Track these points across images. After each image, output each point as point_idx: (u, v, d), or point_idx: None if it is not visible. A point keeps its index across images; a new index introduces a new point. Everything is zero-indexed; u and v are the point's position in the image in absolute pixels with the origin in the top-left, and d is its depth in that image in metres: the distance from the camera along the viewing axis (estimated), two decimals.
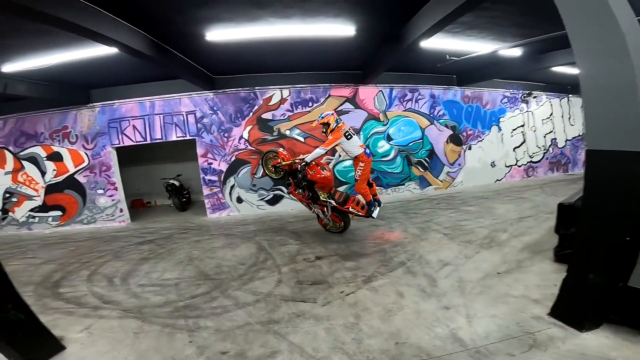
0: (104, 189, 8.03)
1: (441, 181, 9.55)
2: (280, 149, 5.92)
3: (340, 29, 5.23)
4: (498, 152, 10.27)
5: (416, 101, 9.06)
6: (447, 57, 6.69)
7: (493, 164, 10.23)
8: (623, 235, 2.47)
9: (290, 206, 8.28)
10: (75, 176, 7.99)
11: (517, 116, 10.50)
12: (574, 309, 2.77)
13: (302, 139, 8.18)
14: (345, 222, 5.60)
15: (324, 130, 5.41)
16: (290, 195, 6.14)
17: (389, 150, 8.90)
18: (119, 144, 7.95)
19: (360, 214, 5.43)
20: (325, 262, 4.54)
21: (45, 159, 7.93)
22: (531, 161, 10.95)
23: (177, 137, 7.95)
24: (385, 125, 8.79)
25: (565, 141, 11.56)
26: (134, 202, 10.14)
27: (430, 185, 9.43)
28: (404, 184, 9.14)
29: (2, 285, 2.66)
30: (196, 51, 5.90)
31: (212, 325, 3.08)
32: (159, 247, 5.89)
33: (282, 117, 8.11)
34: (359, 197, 5.67)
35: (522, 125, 10.62)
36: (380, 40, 5.85)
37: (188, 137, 7.96)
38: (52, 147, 7.91)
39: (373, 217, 5.56)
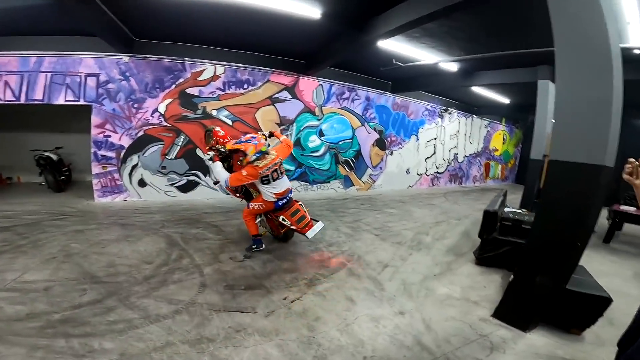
0: None
1: (363, 182, 9.75)
2: (217, 128, 4.37)
3: (306, 8, 4.66)
4: (413, 160, 11.04)
5: (352, 101, 9.02)
6: (393, 62, 6.69)
7: (408, 171, 10.95)
8: (574, 241, 2.61)
9: (207, 194, 7.29)
10: None
11: (433, 129, 11.46)
12: (520, 311, 2.89)
13: (230, 122, 7.27)
14: (286, 233, 4.59)
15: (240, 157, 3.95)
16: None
17: (320, 146, 8.65)
18: None
19: (295, 228, 4.17)
20: (256, 262, 3.96)
21: None
22: (437, 172, 12.11)
23: (66, 100, 6.13)
24: (320, 120, 8.51)
25: (464, 157, 13.15)
26: None
27: (354, 185, 9.54)
28: (329, 182, 9.02)
29: None
30: (125, 3, 4.67)
31: (114, 347, 2.23)
32: (19, 236, 4.30)
33: (210, 95, 7.04)
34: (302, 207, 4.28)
35: (435, 138, 11.64)
36: (340, 30, 5.47)
37: (82, 103, 6.22)
38: None
39: (308, 237, 4.16)
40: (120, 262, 3.65)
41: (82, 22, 4.80)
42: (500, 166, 15.37)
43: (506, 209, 4.81)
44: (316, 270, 3.83)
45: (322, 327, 2.66)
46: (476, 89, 9.33)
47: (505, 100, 10.74)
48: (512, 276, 3.03)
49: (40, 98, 6.03)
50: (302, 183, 8.55)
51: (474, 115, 13.00)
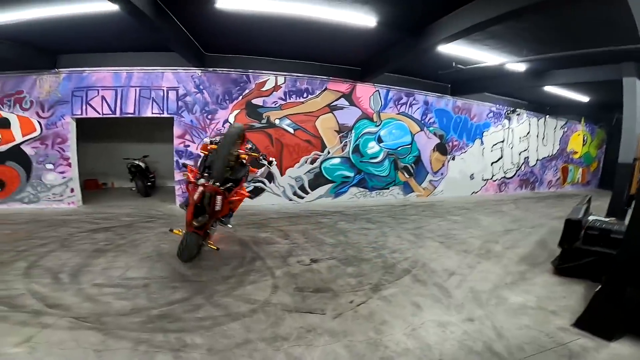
0: (54, 164, 6.90)
1: (423, 189, 9.48)
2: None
3: (361, 17, 4.81)
4: (478, 165, 10.45)
5: (410, 106, 8.88)
6: (454, 65, 6.47)
7: (472, 177, 10.39)
8: None
9: (272, 200, 7.71)
10: (21, 146, 6.76)
11: (499, 132, 10.75)
12: (606, 320, 2.71)
13: (291, 131, 7.64)
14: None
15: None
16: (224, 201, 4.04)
17: (379, 152, 8.64)
18: (81, 114, 6.86)
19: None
20: (322, 266, 4.12)
21: None
22: (505, 177, 11.30)
23: (153, 113, 7.03)
24: (378, 126, 8.52)
25: (537, 160, 12.09)
26: (87, 183, 8.98)
27: (413, 191, 9.33)
28: (388, 188, 8.94)
29: None
30: (197, 20, 5.23)
31: (203, 342, 2.48)
32: (119, 236, 5.00)
33: (273, 105, 7.51)
34: None
35: (502, 141, 10.90)
36: (396, 37, 5.50)
37: (165, 115, 7.07)
38: None
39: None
40: (203, 263, 4.05)
41: (161, 35, 5.29)
42: (580, 170, 13.81)
43: (591, 218, 4.39)
44: (380, 275, 3.87)
45: (388, 331, 2.70)
46: (548, 88, 8.57)
47: (583, 98, 9.69)
48: (599, 286, 2.81)
49: (132, 111, 6.97)
50: (361, 189, 8.60)
51: (547, 116, 11.89)
